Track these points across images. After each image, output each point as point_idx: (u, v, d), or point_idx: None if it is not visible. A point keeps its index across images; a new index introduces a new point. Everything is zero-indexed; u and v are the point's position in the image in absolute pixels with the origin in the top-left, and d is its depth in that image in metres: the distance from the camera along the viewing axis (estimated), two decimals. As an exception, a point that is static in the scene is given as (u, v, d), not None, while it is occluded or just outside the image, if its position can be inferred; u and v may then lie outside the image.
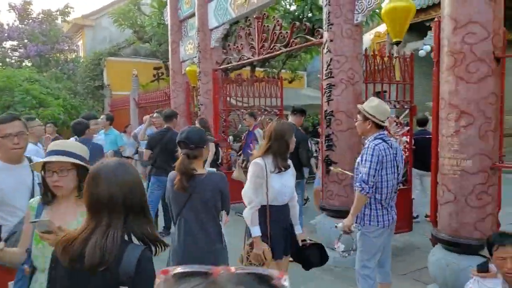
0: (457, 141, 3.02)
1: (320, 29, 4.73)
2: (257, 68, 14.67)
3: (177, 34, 8.69)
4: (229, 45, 6.82)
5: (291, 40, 5.20)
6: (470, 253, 3.01)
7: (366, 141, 2.90)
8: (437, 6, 13.47)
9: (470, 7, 2.92)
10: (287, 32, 5.28)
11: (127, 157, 9.35)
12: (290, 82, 15.69)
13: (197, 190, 2.43)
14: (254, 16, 5.97)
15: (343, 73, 4.24)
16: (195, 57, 7.96)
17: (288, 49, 5.37)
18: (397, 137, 5.70)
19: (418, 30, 15.87)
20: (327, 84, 4.35)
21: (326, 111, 4.39)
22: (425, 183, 6.27)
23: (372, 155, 2.72)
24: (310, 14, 10.64)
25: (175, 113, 5.47)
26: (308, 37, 4.96)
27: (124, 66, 14.88)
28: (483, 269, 2.34)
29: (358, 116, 2.92)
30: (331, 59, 4.29)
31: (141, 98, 11.90)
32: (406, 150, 5.26)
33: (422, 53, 13.11)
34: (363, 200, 2.75)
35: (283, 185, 2.76)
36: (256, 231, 2.68)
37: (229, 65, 6.97)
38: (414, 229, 5.16)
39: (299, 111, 4.76)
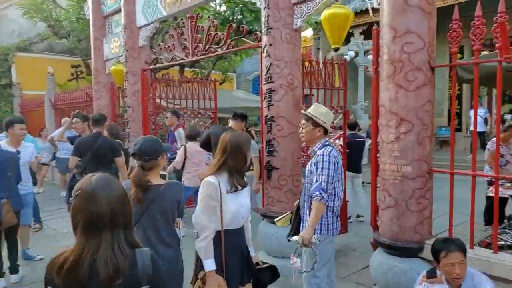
0: (397, 147, 3.11)
1: (258, 33, 4.65)
2: (186, 69, 14.29)
3: (100, 31, 8.05)
4: (159, 44, 6.46)
5: (227, 42, 5.04)
6: (411, 256, 3.11)
7: (314, 148, 2.84)
8: (360, 14, 14.26)
9: (408, 17, 3.02)
10: (223, 34, 5.10)
11: (44, 164, 8.46)
12: (220, 83, 15.54)
13: (155, 201, 2.40)
14: (187, 16, 5.70)
15: (283, 78, 4.19)
16: (121, 55, 7.44)
17: (224, 51, 5.20)
18: (331, 140, 5.86)
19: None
20: (267, 89, 4.27)
21: (266, 116, 4.31)
22: (356, 184, 6.53)
23: (329, 162, 2.67)
24: (240, 16, 10.58)
25: (104, 117, 5.02)
26: (247, 40, 4.84)
27: (37, 62, 13.53)
28: (432, 275, 2.40)
29: (305, 122, 2.85)
30: (270, 64, 4.22)
31: (58, 98, 10.88)
32: (341, 153, 5.40)
33: (347, 58, 13.72)
34: (322, 209, 2.68)
35: (240, 205, 2.40)
36: (210, 265, 2.28)
37: (160, 65, 6.60)
38: (348, 230, 5.32)
39: (240, 115, 4.62)
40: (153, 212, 2.39)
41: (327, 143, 2.81)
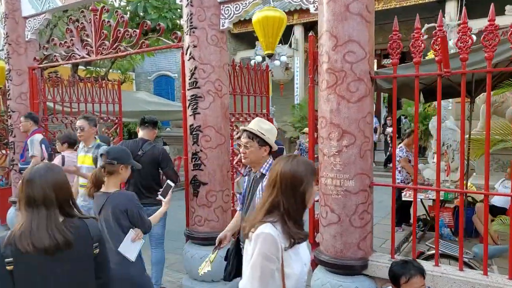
0: (339, 161, 2.96)
1: (177, 32, 4.17)
2: (80, 67, 12.84)
3: (-29, 19, 6.64)
4: (53, 39, 5.51)
5: (140, 41, 4.44)
6: (355, 273, 2.99)
7: (261, 170, 2.49)
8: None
9: (350, 25, 2.89)
10: (134, 31, 4.49)
11: None
12: (120, 84, 14.24)
13: (104, 208, 2.62)
14: (90, 8, 4.93)
15: (210, 84, 3.79)
16: (1, 50, 6.23)
17: (136, 50, 4.59)
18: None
19: (249, 39, 16.79)
20: (192, 95, 3.83)
21: (192, 125, 3.86)
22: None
23: None
24: (142, 13, 9.80)
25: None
26: (165, 40, 4.32)
27: None
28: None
29: (249, 141, 2.47)
30: (195, 68, 3.79)
31: None
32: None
33: (253, 62, 13.64)
34: None
35: (304, 264, 1.68)
36: None
37: (54, 63, 5.64)
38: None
39: (151, 122, 4.05)
40: (102, 218, 2.62)
41: (272, 163, 2.51)
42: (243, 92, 4.97)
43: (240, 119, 5.12)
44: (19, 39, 5.78)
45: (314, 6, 3.25)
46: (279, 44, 16.25)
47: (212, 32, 3.78)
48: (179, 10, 9.92)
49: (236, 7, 3.71)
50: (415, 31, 2.84)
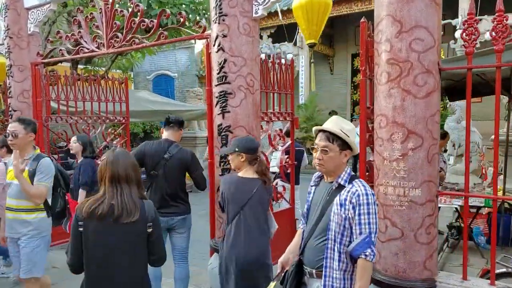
0: (404, 167, 2.55)
1: (201, 21, 3.75)
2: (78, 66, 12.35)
3: (-32, 11, 6.18)
4: (58, 31, 5.06)
5: (158, 32, 4.01)
6: (421, 297, 2.58)
7: (339, 180, 2.03)
8: (267, 16, 13.98)
9: (417, 8, 2.48)
10: (152, 21, 4.06)
11: None
12: (121, 83, 13.76)
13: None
14: (101, -4, 4.49)
15: (242, 78, 3.37)
16: (1, 44, 5.76)
17: (154, 42, 4.16)
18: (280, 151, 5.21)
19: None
20: (221, 92, 3.40)
21: (220, 125, 3.44)
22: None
23: (375, 204, 1.93)
24: (145, 9, 9.34)
25: None
26: (187, 30, 3.89)
27: None
28: None
29: (328, 144, 2.01)
30: (225, 60, 3.36)
31: None
32: (288, 165, 4.78)
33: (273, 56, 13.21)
34: (371, 270, 1.94)
35: None
36: None
37: (61, 58, 5.19)
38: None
39: (177, 122, 3.62)
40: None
41: (351, 172, 2.08)
42: (268, 89, 4.55)
43: (265, 119, 4.70)
44: (21, 32, 5.32)
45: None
46: (284, 42, 15.84)
47: (244, 20, 3.36)
48: (184, 5, 9.49)
49: (272, -9, 3.29)
50: (497, 14, 2.42)
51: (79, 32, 4.73)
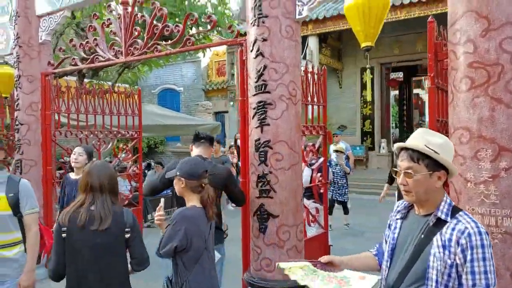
0: (495, 190, 2.13)
1: (234, 24, 3.39)
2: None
3: (-26, 19, 5.86)
4: (72, 39, 4.71)
5: (184, 38, 3.65)
6: None
7: (438, 213, 1.58)
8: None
9: (508, 2, 2.10)
10: (177, 26, 3.70)
11: None
12: (127, 97, 13.42)
13: None
14: (120, 1, 4.15)
15: (283, 87, 2.98)
16: (9, 54, 5.42)
17: (179, 49, 3.79)
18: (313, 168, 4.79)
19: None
20: (260, 103, 3.01)
21: (258, 140, 3.03)
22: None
23: (490, 246, 1.50)
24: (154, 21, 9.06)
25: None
26: (217, 37, 3.53)
27: None
28: None
29: (413, 165, 1.59)
30: (265, 67, 2.98)
31: None
32: (322, 184, 4.36)
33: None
34: None
35: None
36: None
37: (74, 68, 4.83)
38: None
39: (208, 138, 3.23)
40: None
41: (452, 202, 1.65)
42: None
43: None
44: (31, 40, 4.98)
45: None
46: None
47: (286, 22, 2.99)
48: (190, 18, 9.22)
49: (320, -11, 2.93)
50: None
51: (95, 39, 4.37)
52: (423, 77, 24.22)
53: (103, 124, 5.95)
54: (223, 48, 17.54)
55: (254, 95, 3.05)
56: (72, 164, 3.94)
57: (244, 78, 3.28)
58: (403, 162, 1.63)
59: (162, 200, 2.51)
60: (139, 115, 6.30)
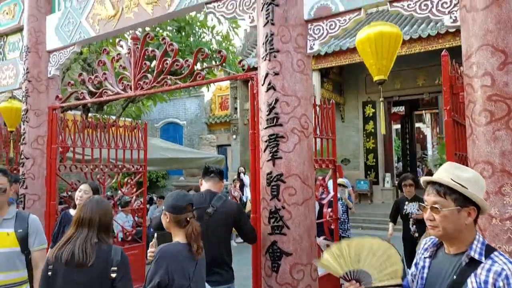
0: (522, 226, 2.04)
1: (243, 59, 3.42)
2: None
3: (-16, 56, 5.96)
4: (81, 73, 4.74)
5: (195, 72, 3.66)
6: None
7: (471, 252, 1.48)
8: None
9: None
10: (187, 61, 3.73)
11: None
12: (132, 130, 13.49)
13: None
14: (130, 37, 4.21)
15: (295, 120, 2.95)
16: (18, 88, 5.47)
17: (189, 83, 3.80)
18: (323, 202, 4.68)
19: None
20: (271, 136, 2.97)
21: (270, 174, 2.96)
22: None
23: None
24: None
25: None
26: (221, 72, 3.54)
27: None
28: None
29: (440, 199, 1.52)
30: (276, 100, 2.96)
31: None
32: (332, 220, 4.25)
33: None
34: None
35: None
36: None
37: (81, 102, 4.84)
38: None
39: (218, 172, 3.17)
40: None
41: (485, 241, 1.56)
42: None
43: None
44: (40, 75, 5.02)
45: (451, 18, 2.49)
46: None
47: (297, 56, 3.00)
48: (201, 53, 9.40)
49: (331, 25, 2.95)
50: None
51: (104, 73, 4.40)
52: (423, 111, 24.52)
53: (108, 158, 5.90)
54: (227, 82, 17.82)
55: (266, 128, 3.02)
56: (77, 202, 3.81)
57: (255, 111, 3.27)
58: (429, 197, 1.56)
59: (155, 235, 2.45)
60: (145, 149, 6.27)
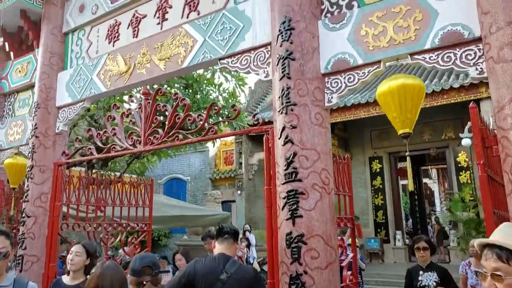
0: None
1: (258, 113, 3.32)
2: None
3: (-6, 112, 5.97)
4: (89, 129, 4.67)
5: (206, 126, 3.57)
6: None
7: None
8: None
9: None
10: (200, 115, 3.65)
11: None
12: (136, 186, 13.31)
13: None
14: (142, 92, 4.19)
15: (315, 175, 2.78)
16: (25, 144, 5.38)
17: (202, 137, 3.69)
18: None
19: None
20: (290, 192, 2.79)
21: (290, 234, 2.74)
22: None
23: None
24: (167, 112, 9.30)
25: None
26: (239, 124, 3.45)
27: None
28: None
29: (498, 265, 1.32)
30: (294, 154, 2.82)
31: None
32: (352, 285, 3.92)
33: None
34: None
35: None
36: None
37: (88, 158, 4.72)
38: None
39: (232, 233, 2.93)
40: None
41: None
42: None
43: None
44: (48, 131, 4.95)
45: (477, 69, 2.40)
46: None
47: (315, 109, 2.91)
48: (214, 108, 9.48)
49: (349, 78, 2.89)
50: None
51: (113, 129, 4.32)
52: (429, 166, 24.28)
53: (112, 216, 5.67)
54: (232, 137, 17.88)
55: (284, 183, 2.84)
56: (68, 266, 3.37)
57: (270, 166, 3.12)
58: (488, 262, 1.36)
59: None
60: (150, 206, 6.05)
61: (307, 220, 2.71)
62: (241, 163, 17.05)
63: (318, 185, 2.77)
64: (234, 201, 16.96)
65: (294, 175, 2.80)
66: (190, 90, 10.33)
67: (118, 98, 11.60)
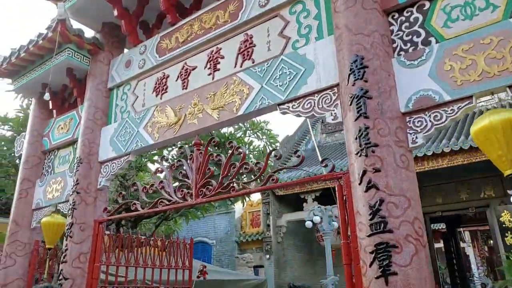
0: None
1: (327, 159, 3.05)
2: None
3: (33, 171, 5.88)
4: (135, 183, 4.45)
5: (267, 175, 3.29)
6: None
7: None
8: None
9: None
10: (258, 163, 3.40)
11: None
12: (163, 250, 12.81)
13: None
14: (193, 142, 4.00)
15: (408, 225, 2.42)
16: (64, 201, 5.18)
17: (261, 187, 3.40)
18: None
19: (293, 201, 15.86)
20: (380, 245, 2.41)
21: (384, 296, 2.32)
22: None
23: None
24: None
25: None
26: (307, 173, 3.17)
27: None
28: None
29: None
30: (381, 201, 2.48)
31: None
32: None
33: (309, 224, 12.07)
34: None
35: None
36: None
37: (132, 214, 4.44)
38: None
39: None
40: None
41: None
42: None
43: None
44: (89, 186, 4.76)
45: None
46: (328, 205, 15.19)
47: (400, 151, 2.61)
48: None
49: (436, 115, 2.62)
50: None
51: (161, 182, 4.09)
52: (461, 229, 22.85)
53: (144, 278, 5.25)
54: (258, 198, 17.41)
55: (370, 235, 2.47)
56: None
57: (346, 218, 2.77)
58: None
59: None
60: (189, 269, 5.65)
61: (403, 279, 2.30)
62: (268, 225, 16.39)
63: (412, 237, 2.39)
64: (262, 266, 16.07)
65: (382, 225, 2.43)
66: (221, 149, 10.25)
67: (146, 159, 11.61)
